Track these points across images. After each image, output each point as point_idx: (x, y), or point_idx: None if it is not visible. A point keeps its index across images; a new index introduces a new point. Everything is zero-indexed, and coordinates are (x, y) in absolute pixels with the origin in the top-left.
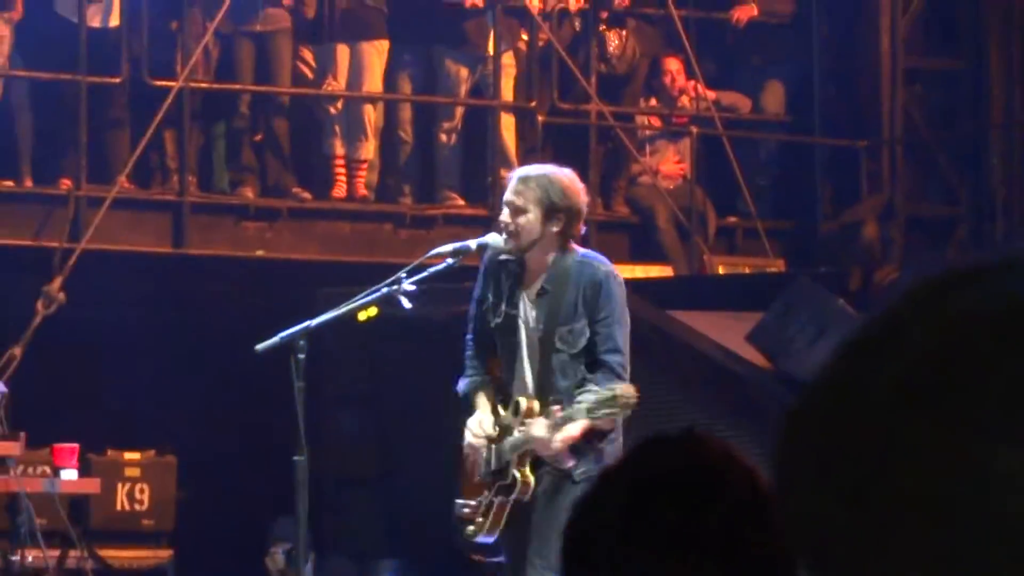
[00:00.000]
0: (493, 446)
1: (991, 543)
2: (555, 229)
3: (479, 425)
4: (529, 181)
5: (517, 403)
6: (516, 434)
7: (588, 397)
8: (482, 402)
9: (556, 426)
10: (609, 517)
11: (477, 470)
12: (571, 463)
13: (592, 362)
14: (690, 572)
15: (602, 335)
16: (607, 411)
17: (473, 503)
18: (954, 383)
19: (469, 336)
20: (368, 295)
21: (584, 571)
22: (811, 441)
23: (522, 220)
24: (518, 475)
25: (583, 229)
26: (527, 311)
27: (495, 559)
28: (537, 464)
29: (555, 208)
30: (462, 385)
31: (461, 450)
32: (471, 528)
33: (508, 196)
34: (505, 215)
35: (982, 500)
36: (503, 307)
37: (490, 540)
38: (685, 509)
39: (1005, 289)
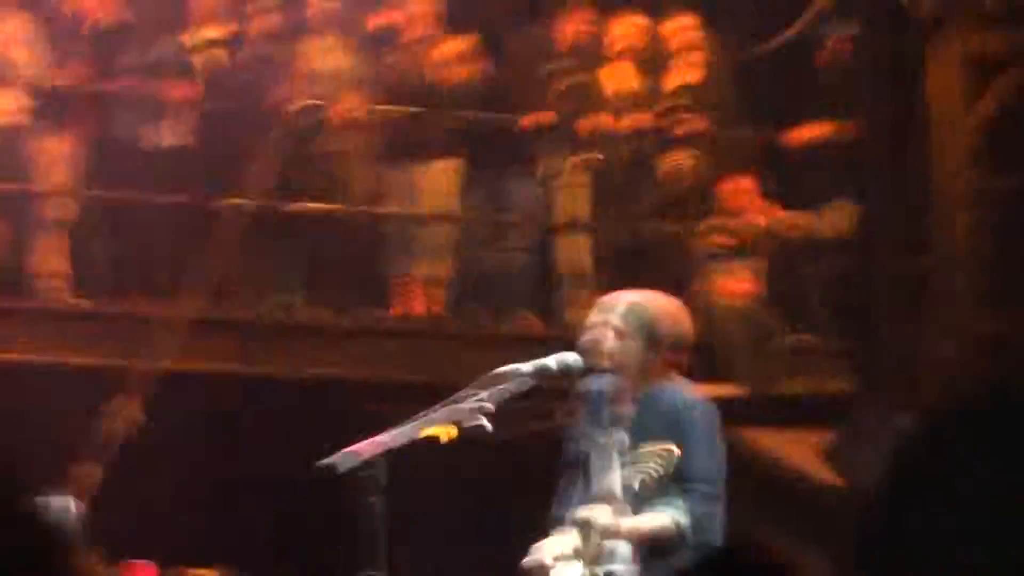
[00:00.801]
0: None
1: None
2: (654, 357)
3: (560, 546)
4: (635, 307)
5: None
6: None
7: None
8: (563, 530)
9: (620, 511)
10: None
11: None
12: (634, 561)
13: (682, 489)
14: None
15: (692, 465)
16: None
17: None
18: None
19: (564, 464)
20: (443, 414)
21: None
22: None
23: (622, 345)
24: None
25: (685, 358)
26: (614, 439)
27: None
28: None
29: (656, 338)
30: (553, 512)
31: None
32: None
33: (614, 320)
34: (609, 339)
35: None
36: (591, 436)
37: None
38: None
39: None
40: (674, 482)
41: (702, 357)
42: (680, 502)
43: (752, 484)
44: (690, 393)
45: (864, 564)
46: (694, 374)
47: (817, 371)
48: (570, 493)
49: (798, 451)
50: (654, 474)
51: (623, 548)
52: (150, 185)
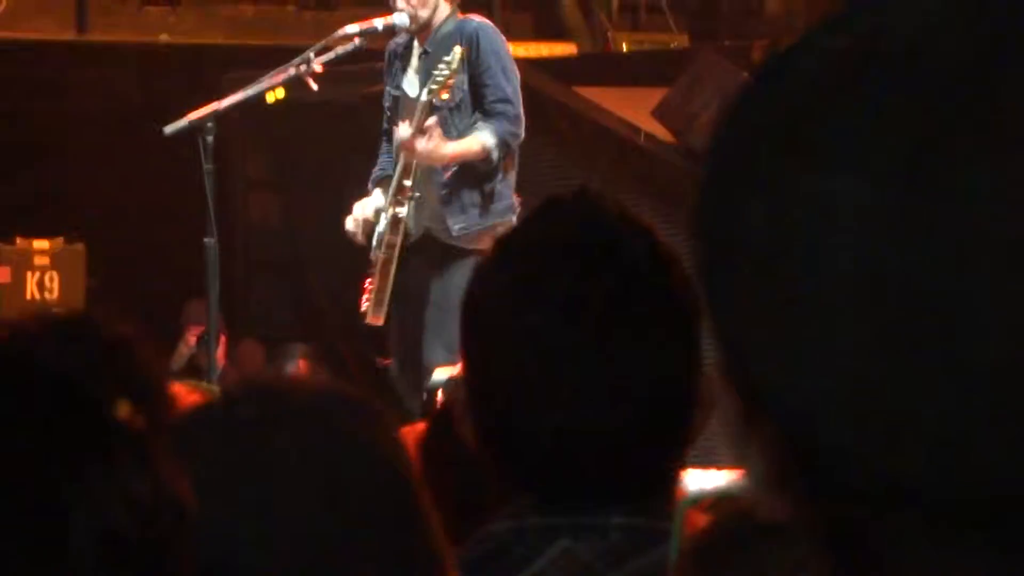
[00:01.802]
0: (381, 216)
1: (825, 288)
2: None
3: (360, 208)
4: None
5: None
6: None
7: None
8: (375, 192)
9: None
10: (505, 283)
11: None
12: (448, 171)
13: (483, 114)
14: (585, 333)
15: (489, 86)
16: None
17: (367, 286)
18: (810, 115)
19: (383, 131)
20: (275, 76)
21: (483, 340)
22: (701, 189)
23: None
24: (389, 213)
25: None
26: (410, 83)
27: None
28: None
29: None
30: (371, 180)
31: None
32: (365, 307)
33: None
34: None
35: (820, 239)
36: (391, 90)
37: (381, 314)
38: (580, 271)
39: (873, 23)
40: (478, 110)
41: (536, 16)
42: (485, 126)
43: (584, 142)
44: (484, 20)
45: (700, 216)
46: (530, 33)
47: (653, 28)
48: (383, 153)
49: (632, 109)
50: (441, 78)
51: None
52: None
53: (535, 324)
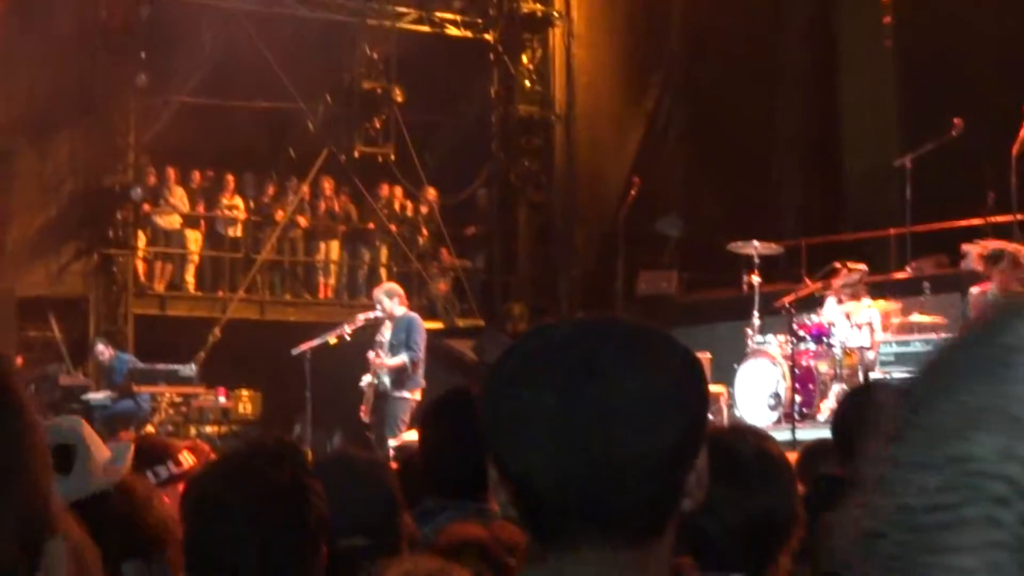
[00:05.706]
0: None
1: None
2: (397, 303)
3: (366, 378)
4: (384, 290)
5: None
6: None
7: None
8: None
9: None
10: (430, 416)
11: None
12: (391, 369)
13: (406, 349)
14: (468, 435)
15: (411, 339)
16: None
17: (364, 407)
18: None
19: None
20: (331, 333)
21: (431, 431)
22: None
23: (387, 308)
24: (367, 381)
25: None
26: (384, 335)
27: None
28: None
29: (394, 298)
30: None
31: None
32: (363, 417)
33: (380, 296)
34: (378, 309)
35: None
36: (379, 337)
37: (367, 418)
38: (462, 414)
39: None
40: (405, 346)
41: (426, 312)
42: (405, 354)
43: (444, 360)
44: (413, 315)
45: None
46: (426, 316)
47: (472, 317)
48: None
49: (464, 347)
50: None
51: (388, 372)
52: None
53: (445, 428)
